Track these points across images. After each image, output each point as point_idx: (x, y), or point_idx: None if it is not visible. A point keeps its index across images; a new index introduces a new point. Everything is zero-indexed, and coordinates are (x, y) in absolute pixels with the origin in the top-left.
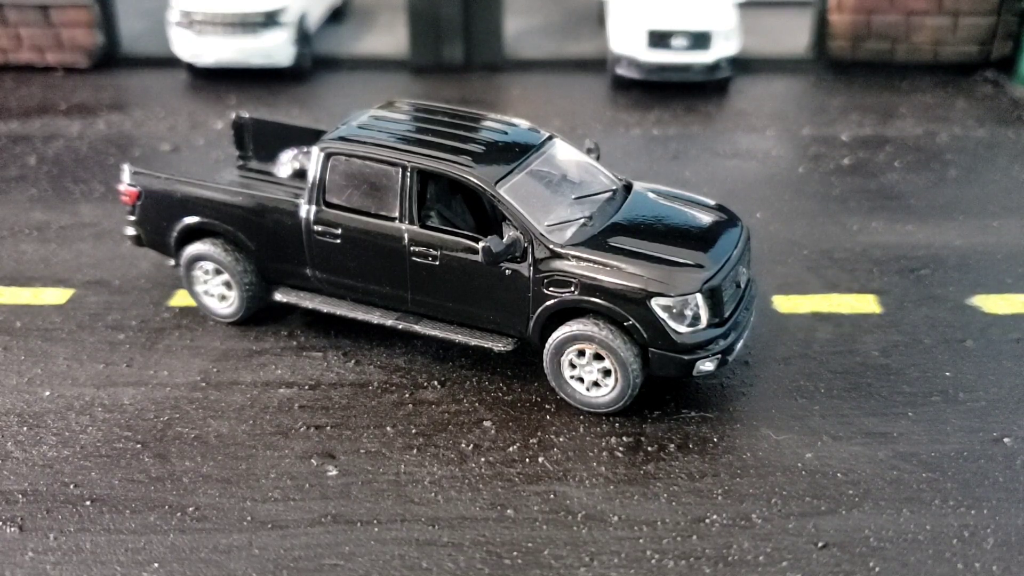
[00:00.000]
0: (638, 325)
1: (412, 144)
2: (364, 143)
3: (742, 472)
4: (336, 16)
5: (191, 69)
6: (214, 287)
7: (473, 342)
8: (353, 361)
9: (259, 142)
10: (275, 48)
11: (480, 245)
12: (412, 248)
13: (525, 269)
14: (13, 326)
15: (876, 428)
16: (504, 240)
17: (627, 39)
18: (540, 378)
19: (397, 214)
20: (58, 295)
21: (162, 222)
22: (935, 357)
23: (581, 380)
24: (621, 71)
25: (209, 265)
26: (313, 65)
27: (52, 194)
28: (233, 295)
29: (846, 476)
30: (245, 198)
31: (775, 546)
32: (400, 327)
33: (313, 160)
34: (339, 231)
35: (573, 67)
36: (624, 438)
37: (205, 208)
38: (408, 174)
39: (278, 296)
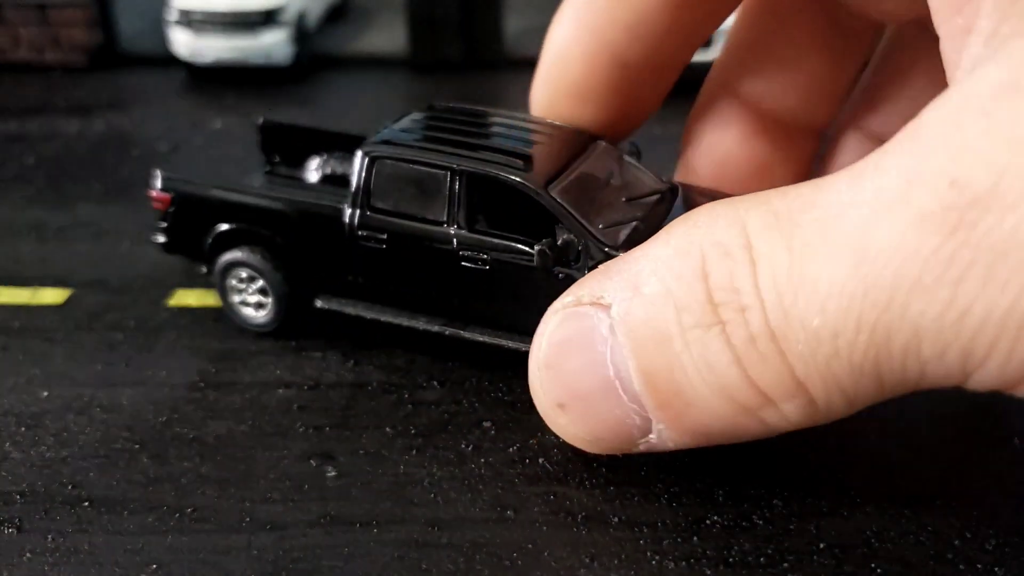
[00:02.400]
0: None
1: (458, 147)
2: (409, 147)
3: (743, 473)
4: (335, 15)
5: (189, 68)
6: (250, 295)
7: (524, 348)
8: (352, 361)
9: (285, 146)
10: (274, 47)
11: (535, 249)
12: (461, 252)
13: (578, 272)
14: (11, 326)
15: (876, 428)
16: (559, 243)
17: None
18: None
19: (445, 218)
20: (56, 295)
21: (196, 228)
22: None
23: None
24: None
25: (244, 272)
26: (312, 64)
27: (50, 193)
28: (270, 303)
29: (847, 477)
30: (285, 203)
31: (776, 547)
32: (447, 333)
33: (357, 164)
34: (385, 236)
35: None
36: None
37: (242, 213)
38: (456, 177)
39: (319, 303)
